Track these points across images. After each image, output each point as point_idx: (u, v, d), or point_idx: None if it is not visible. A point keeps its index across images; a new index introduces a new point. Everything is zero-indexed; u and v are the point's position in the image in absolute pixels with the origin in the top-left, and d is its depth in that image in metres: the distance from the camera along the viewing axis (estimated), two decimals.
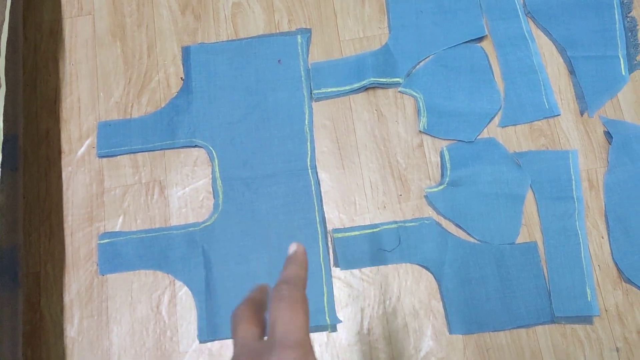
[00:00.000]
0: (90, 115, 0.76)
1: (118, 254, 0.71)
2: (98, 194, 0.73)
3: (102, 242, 0.71)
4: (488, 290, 0.67)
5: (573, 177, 0.71)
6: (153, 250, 0.71)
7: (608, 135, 0.72)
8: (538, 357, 0.65)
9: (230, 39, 0.78)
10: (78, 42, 0.79)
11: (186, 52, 0.78)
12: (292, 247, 0.40)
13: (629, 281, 0.67)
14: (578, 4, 0.77)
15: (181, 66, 0.77)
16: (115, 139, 0.74)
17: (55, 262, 0.70)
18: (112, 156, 0.74)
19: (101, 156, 0.74)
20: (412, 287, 0.68)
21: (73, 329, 0.68)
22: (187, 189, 0.73)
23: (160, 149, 0.74)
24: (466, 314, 0.67)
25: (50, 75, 0.77)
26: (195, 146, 0.74)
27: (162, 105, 0.76)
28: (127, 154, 0.74)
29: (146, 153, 0.74)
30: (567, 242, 0.68)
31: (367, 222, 0.71)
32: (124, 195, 0.73)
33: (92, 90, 0.77)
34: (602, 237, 0.69)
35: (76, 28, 0.79)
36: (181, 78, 0.77)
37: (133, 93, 0.76)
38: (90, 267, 0.70)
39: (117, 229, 0.72)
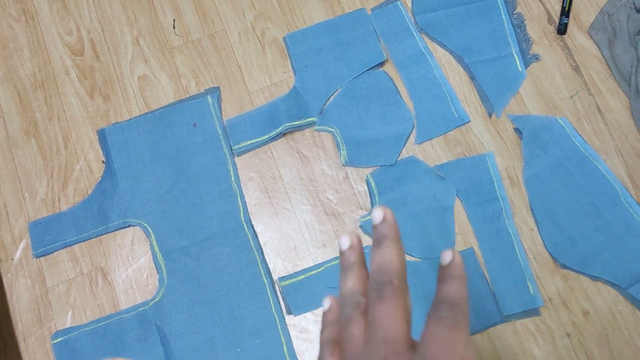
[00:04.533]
0: (19, 218, 0.76)
1: (74, 349, 0.70)
2: (42, 294, 0.73)
3: (55, 341, 0.71)
4: None
5: (494, 178, 0.73)
6: (108, 338, 0.71)
7: (518, 131, 0.75)
8: (496, 358, 0.68)
9: (143, 112, 0.79)
10: None
11: (102, 135, 0.78)
12: (447, 256, 0.31)
13: (565, 267, 0.70)
14: (466, 13, 0.79)
15: (100, 150, 0.78)
16: (49, 236, 0.74)
17: None
18: (49, 254, 0.74)
19: (38, 256, 0.74)
20: None
21: None
22: (129, 270, 0.73)
23: (96, 237, 0.74)
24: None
25: None
26: (129, 226, 0.75)
27: (89, 193, 0.76)
28: (63, 248, 0.74)
29: (82, 243, 0.74)
30: (500, 242, 0.71)
31: (310, 264, 0.72)
32: (69, 290, 0.73)
33: (16, 192, 0.77)
34: (532, 230, 0.72)
35: None
36: (102, 162, 0.77)
37: (57, 187, 0.77)
38: None
39: (68, 325, 0.72)
